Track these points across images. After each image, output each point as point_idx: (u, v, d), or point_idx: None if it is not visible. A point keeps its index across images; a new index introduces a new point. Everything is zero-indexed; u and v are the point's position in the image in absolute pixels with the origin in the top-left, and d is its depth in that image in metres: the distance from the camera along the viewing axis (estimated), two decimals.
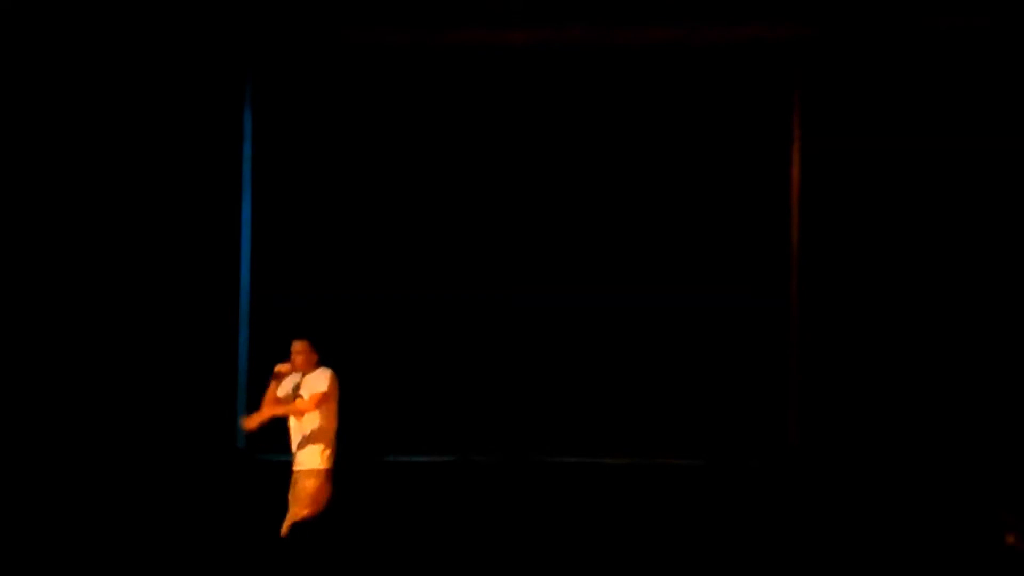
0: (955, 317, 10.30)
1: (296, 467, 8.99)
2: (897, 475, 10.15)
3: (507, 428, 10.69)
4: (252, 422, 8.95)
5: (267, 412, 8.92)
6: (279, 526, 9.62)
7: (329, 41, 10.73)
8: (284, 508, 9.98)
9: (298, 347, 9.03)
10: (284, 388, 9.06)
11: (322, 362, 9.05)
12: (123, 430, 10.44)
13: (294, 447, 9.00)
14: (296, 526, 8.91)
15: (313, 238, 10.94)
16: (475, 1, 10.43)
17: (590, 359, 10.73)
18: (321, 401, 8.84)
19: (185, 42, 10.55)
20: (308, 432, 8.90)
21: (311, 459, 8.91)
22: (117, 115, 10.58)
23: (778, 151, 10.70)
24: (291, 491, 9.00)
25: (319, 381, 8.90)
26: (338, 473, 8.96)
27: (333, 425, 8.94)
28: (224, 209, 10.73)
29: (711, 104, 10.74)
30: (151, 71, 10.57)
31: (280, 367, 9.01)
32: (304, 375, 8.99)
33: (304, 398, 8.89)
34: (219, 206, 10.71)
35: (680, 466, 10.39)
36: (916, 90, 10.41)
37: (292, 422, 8.99)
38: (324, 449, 8.90)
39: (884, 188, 10.44)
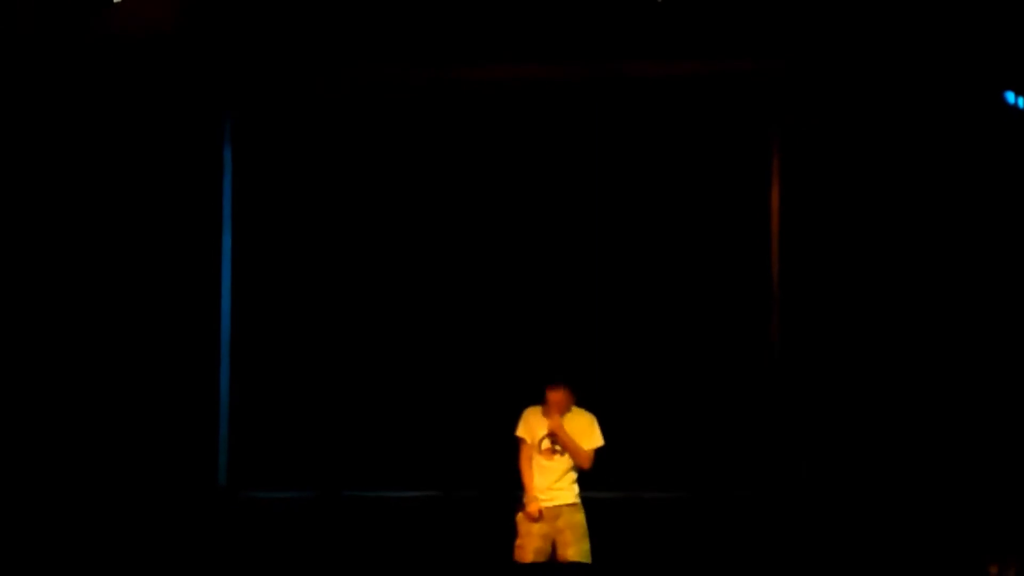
0: (948, 345, 10.20)
1: (558, 502, 9.20)
2: (900, 505, 10.10)
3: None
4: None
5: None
6: (262, 564, 9.61)
7: (308, 79, 10.73)
8: (268, 546, 10.02)
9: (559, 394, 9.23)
10: (534, 429, 9.26)
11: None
12: (98, 467, 10.39)
13: (548, 483, 9.19)
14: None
15: (293, 269, 10.91)
16: (457, 37, 10.39)
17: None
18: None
19: (165, 81, 10.51)
20: (567, 469, 9.22)
21: (573, 493, 9.27)
22: (99, 153, 10.55)
23: (758, 181, 10.70)
24: (554, 526, 9.19)
25: (593, 429, 9.26)
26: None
27: None
28: (205, 242, 10.69)
29: (693, 136, 10.73)
30: (131, 109, 10.53)
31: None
32: (561, 416, 9.22)
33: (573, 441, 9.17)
34: (200, 239, 10.66)
35: (675, 499, 10.39)
36: (892, 121, 10.42)
37: (542, 460, 9.21)
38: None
39: (865, 217, 10.45)
